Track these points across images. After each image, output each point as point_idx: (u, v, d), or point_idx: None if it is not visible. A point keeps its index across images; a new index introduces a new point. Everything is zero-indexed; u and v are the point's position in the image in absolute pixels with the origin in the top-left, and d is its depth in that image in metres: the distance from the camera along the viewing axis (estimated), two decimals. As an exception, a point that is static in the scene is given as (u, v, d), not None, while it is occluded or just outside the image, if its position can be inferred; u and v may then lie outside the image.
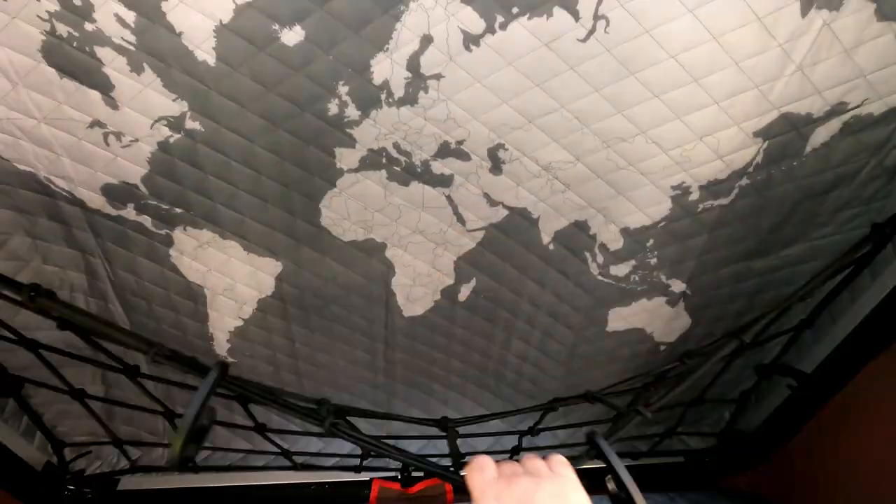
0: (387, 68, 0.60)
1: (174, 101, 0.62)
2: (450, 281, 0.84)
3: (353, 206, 0.74)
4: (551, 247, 0.79)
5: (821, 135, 0.64)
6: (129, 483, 0.96)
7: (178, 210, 0.73)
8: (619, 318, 0.88)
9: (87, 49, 0.57)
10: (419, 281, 0.83)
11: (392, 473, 1.00)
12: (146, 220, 0.74)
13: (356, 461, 1.01)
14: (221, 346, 0.89)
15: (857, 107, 0.61)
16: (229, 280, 0.81)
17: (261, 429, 0.82)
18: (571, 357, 0.95)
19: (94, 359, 0.70)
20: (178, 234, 0.76)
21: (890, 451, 0.75)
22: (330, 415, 0.62)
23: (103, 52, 0.57)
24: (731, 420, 0.93)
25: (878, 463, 0.78)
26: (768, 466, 0.98)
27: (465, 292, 0.85)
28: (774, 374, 0.86)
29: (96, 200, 0.71)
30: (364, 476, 0.99)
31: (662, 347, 0.93)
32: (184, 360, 0.57)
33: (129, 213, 0.73)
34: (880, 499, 0.77)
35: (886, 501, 0.76)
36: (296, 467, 0.92)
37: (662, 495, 0.95)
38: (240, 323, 0.86)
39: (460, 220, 0.76)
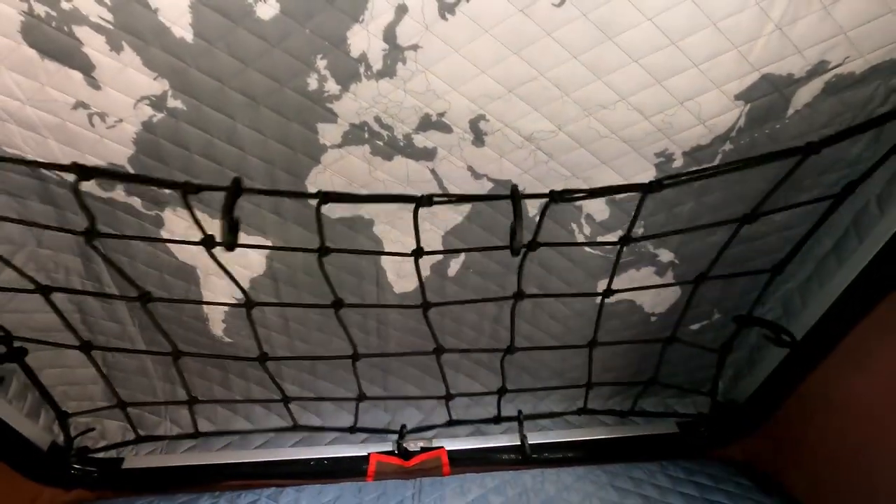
0: (363, 40, 0.60)
1: (155, 79, 0.62)
2: (439, 256, 0.84)
3: (339, 183, 0.74)
4: (537, 219, 0.79)
5: (803, 96, 0.63)
6: (133, 462, 0.98)
7: (167, 191, 0.74)
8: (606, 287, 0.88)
9: (66, 29, 0.57)
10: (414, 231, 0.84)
11: (389, 448, 1.02)
12: (136, 202, 0.75)
13: (354, 437, 1.04)
14: (217, 326, 0.90)
15: (839, 65, 0.60)
16: (220, 259, 0.82)
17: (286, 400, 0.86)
18: (564, 331, 0.96)
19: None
20: (167, 214, 0.77)
21: (877, 414, 0.76)
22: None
23: (82, 32, 0.58)
24: (715, 374, 0.94)
25: (867, 428, 0.78)
26: (760, 435, 0.99)
27: (454, 267, 0.86)
28: (751, 325, 0.87)
29: (86, 182, 0.72)
30: (362, 451, 1.01)
31: (653, 318, 0.94)
32: (213, 187, 0.63)
33: (119, 194, 0.74)
34: (872, 461, 0.77)
35: (877, 465, 0.76)
36: (294, 427, 0.94)
37: (654, 464, 0.97)
38: (234, 302, 0.88)
39: (445, 193, 0.76)
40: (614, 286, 0.88)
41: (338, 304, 0.80)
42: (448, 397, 0.97)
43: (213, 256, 0.67)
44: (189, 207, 0.63)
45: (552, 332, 0.95)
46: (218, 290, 0.86)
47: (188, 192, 0.61)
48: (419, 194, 0.68)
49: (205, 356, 0.88)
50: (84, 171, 0.57)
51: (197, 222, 0.64)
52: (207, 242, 0.66)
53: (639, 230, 0.80)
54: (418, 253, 0.75)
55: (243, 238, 0.80)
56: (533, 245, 0.74)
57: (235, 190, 0.59)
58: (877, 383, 0.77)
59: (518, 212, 0.64)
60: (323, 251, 0.71)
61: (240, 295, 0.87)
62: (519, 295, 0.83)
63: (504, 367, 0.96)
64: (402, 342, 0.96)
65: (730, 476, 0.95)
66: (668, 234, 0.78)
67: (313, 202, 0.68)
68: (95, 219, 0.62)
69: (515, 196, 0.65)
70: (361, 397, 0.94)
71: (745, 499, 0.89)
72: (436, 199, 0.68)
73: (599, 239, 0.81)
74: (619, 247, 0.79)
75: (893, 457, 0.74)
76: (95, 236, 0.63)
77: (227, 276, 0.82)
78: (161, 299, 0.74)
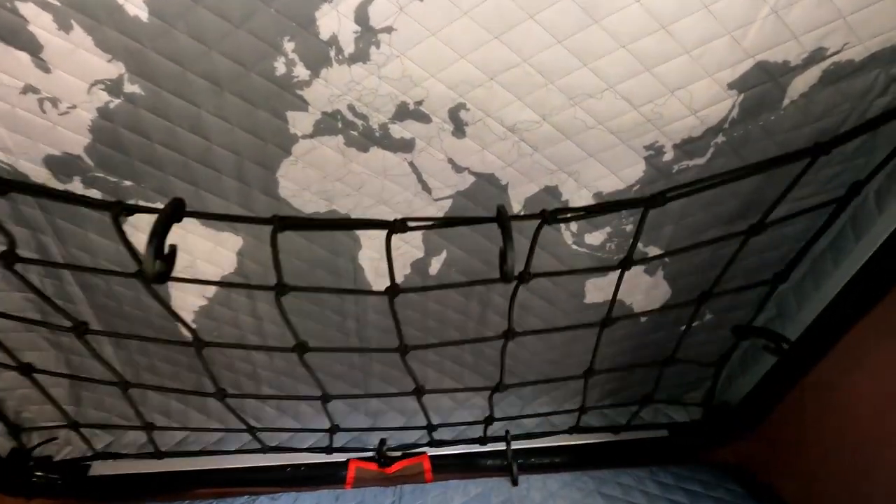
0: (333, 21, 0.56)
1: (109, 62, 0.58)
2: (419, 254, 0.80)
3: (312, 176, 0.70)
4: (523, 213, 0.76)
5: (799, 85, 0.60)
6: (100, 469, 0.94)
7: (128, 183, 0.70)
8: (597, 290, 0.85)
9: (9, 4, 0.53)
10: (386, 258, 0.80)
11: (369, 454, 0.98)
12: (95, 195, 0.71)
13: (334, 441, 1.00)
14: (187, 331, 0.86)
15: (837, 52, 0.57)
16: (188, 257, 0.77)
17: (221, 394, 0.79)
18: (549, 336, 0.92)
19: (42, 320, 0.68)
20: (141, 205, 0.72)
21: (872, 417, 0.73)
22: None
23: (26, 9, 0.54)
24: (711, 386, 0.91)
25: (862, 430, 0.76)
26: (753, 438, 0.96)
27: (435, 265, 0.82)
28: (751, 335, 0.83)
29: (40, 174, 0.68)
30: (341, 457, 0.97)
31: (643, 319, 0.90)
32: (146, 209, 0.53)
33: (77, 186, 0.70)
34: (866, 465, 0.75)
35: (872, 468, 0.74)
36: (264, 450, 0.90)
37: (644, 470, 0.93)
38: (204, 302, 0.84)
39: (425, 188, 0.72)
40: (600, 284, 0.85)
41: (301, 349, 0.70)
42: (430, 428, 0.92)
43: (150, 291, 0.60)
44: (120, 231, 0.53)
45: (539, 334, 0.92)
46: (187, 289, 0.82)
47: (118, 215, 0.52)
48: (391, 217, 0.58)
49: (157, 389, 0.83)
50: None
51: (129, 247, 0.55)
52: (140, 274, 0.57)
53: (627, 227, 0.77)
54: (393, 292, 0.63)
55: (211, 235, 0.76)
56: (525, 276, 0.64)
57: (172, 213, 0.48)
58: (873, 386, 0.74)
59: (507, 237, 0.52)
60: (280, 290, 0.60)
61: (210, 292, 0.84)
62: (509, 334, 0.74)
63: (492, 401, 0.90)
64: (383, 342, 0.92)
65: (721, 482, 0.92)
66: (671, 254, 0.73)
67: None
68: (15, 242, 0.57)
69: (503, 219, 0.53)
70: (335, 428, 0.89)
71: (737, 506, 0.87)
72: (410, 223, 0.57)
73: (587, 236, 0.78)
74: (604, 243, 0.75)
75: (889, 462, 0.71)
76: (14, 261, 0.57)
77: (195, 274, 0.79)
78: (99, 332, 0.69)
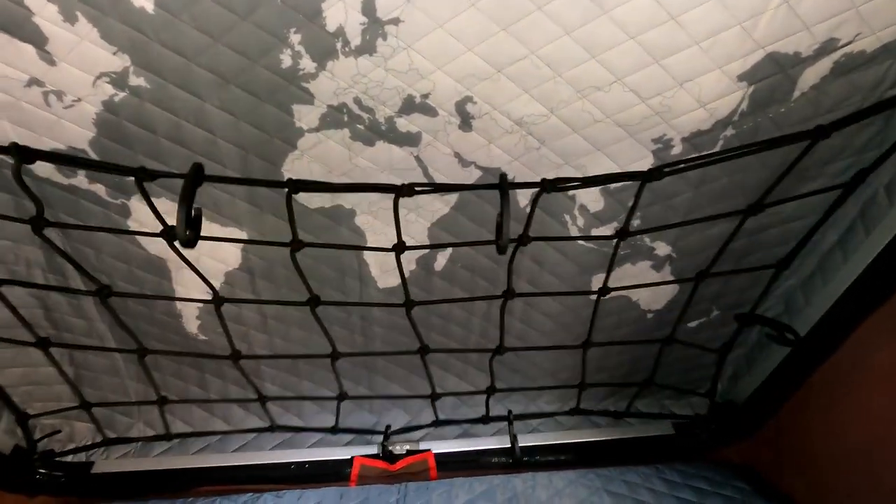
0: (340, 13, 0.55)
1: (114, 54, 0.57)
2: (424, 250, 0.80)
3: (317, 170, 0.70)
4: (528, 210, 0.75)
5: (810, 77, 0.59)
6: (103, 466, 0.93)
7: (132, 178, 0.69)
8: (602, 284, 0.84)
9: (14, -4, 0.53)
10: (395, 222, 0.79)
11: (374, 451, 0.97)
12: (100, 189, 0.70)
13: (337, 438, 0.99)
14: (191, 324, 0.85)
15: (849, 43, 0.56)
16: (193, 252, 0.76)
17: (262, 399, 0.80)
18: (556, 328, 0.92)
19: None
20: (134, 203, 0.72)
21: (881, 415, 0.72)
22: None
23: (31, 0, 0.53)
24: (715, 374, 0.90)
25: (871, 429, 0.75)
26: (759, 436, 0.95)
27: (441, 261, 0.82)
28: (754, 323, 0.82)
29: (45, 168, 0.67)
30: (345, 454, 0.97)
31: (650, 315, 0.90)
32: (168, 174, 0.56)
33: (81, 181, 0.69)
34: (873, 463, 0.74)
35: (881, 467, 0.73)
36: (272, 428, 0.89)
37: (650, 467, 0.93)
38: (208, 297, 0.83)
39: (431, 182, 0.72)
40: (609, 282, 0.84)
41: (314, 301, 0.75)
42: (434, 397, 0.92)
43: (175, 250, 0.62)
44: (146, 196, 0.57)
45: (544, 330, 0.91)
46: (191, 285, 0.81)
47: (143, 180, 0.55)
48: (400, 183, 0.63)
49: (173, 353, 0.83)
50: (25, 154, 0.52)
51: (156, 213, 0.58)
52: (168, 235, 0.60)
53: (635, 222, 0.76)
54: (399, 248, 0.69)
55: (215, 230, 0.75)
56: (523, 240, 0.68)
57: (195, 177, 0.52)
58: (882, 384, 0.73)
59: (505, 203, 0.57)
60: (295, 245, 0.65)
61: (216, 287, 0.83)
62: (508, 293, 0.77)
63: (493, 367, 0.91)
64: (388, 339, 0.92)
65: (728, 480, 0.91)
66: (666, 228, 0.73)
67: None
68: (43, 207, 0.57)
69: (504, 185, 0.59)
70: (343, 396, 0.89)
71: (744, 503, 0.86)
72: (417, 188, 0.62)
73: (594, 231, 0.77)
74: (615, 241, 0.75)
75: (899, 460, 0.71)
76: (44, 225, 0.58)
77: (199, 270, 0.78)
78: (123, 294, 0.69)
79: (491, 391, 0.94)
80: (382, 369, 0.97)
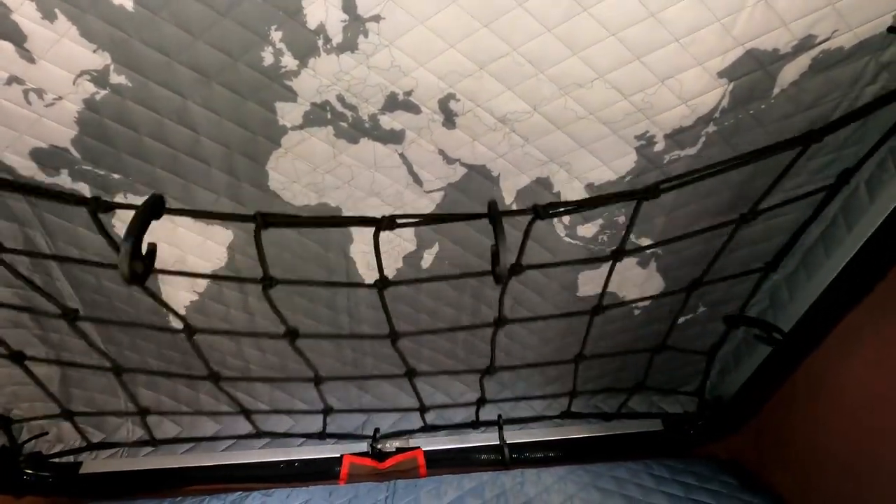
0: (321, 9, 0.55)
1: (95, 52, 0.57)
2: (411, 247, 0.80)
3: (302, 168, 0.70)
4: (514, 207, 0.75)
5: (789, 73, 0.60)
6: (91, 466, 0.93)
7: (116, 176, 0.69)
8: (590, 282, 0.85)
9: (-10, -7, 0.52)
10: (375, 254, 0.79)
11: (363, 449, 0.97)
12: (83, 188, 0.70)
13: (325, 440, 0.99)
14: (177, 322, 0.85)
15: (826, 40, 0.57)
16: (178, 251, 0.77)
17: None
18: (545, 325, 0.92)
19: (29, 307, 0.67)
20: (118, 201, 0.72)
21: (865, 409, 0.73)
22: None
23: (9, -3, 0.53)
24: (704, 374, 0.91)
25: (855, 422, 0.76)
26: (746, 432, 0.96)
27: (428, 259, 0.82)
28: (742, 324, 0.83)
29: (27, 167, 0.67)
30: (334, 452, 0.97)
31: (637, 312, 0.90)
32: (124, 205, 0.51)
33: (64, 180, 0.69)
34: (860, 458, 0.74)
35: (865, 459, 0.74)
36: (259, 435, 0.89)
37: (638, 463, 0.93)
38: (195, 297, 0.83)
39: (416, 180, 0.72)
40: (592, 277, 0.84)
41: (292, 335, 0.71)
42: (423, 409, 0.92)
43: (141, 287, 0.59)
44: (100, 227, 0.52)
45: (531, 326, 0.91)
46: (178, 284, 0.81)
47: (97, 211, 0.51)
48: (379, 214, 0.56)
49: (149, 372, 0.82)
50: None
51: (110, 240, 0.54)
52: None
53: (619, 218, 0.77)
54: (382, 284, 0.63)
55: (200, 228, 0.75)
56: (517, 269, 0.63)
57: (151, 209, 0.46)
58: (865, 378, 0.74)
59: (500, 233, 0.51)
60: (268, 283, 0.59)
61: (201, 287, 0.83)
62: (500, 321, 0.74)
63: (483, 383, 0.90)
64: (377, 328, 0.92)
65: (715, 475, 0.92)
66: (663, 245, 0.73)
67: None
68: None
69: (494, 214, 0.53)
70: (328, 410, 0.89)
71: (731, 497, 0.86)
72: (399, 220, 0.55)
73: (579, 228, 0.78)
74: (596, 235, 0.75)
75: (882, 454, 0.71)
76: (0, 251, 0.56)
77: (185, 269, 0.78)
78: (89, 318, 0.68)
79: (481, 402, 0.93)
80: (372, 368, 0.97)
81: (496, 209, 0.53)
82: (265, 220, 0.52)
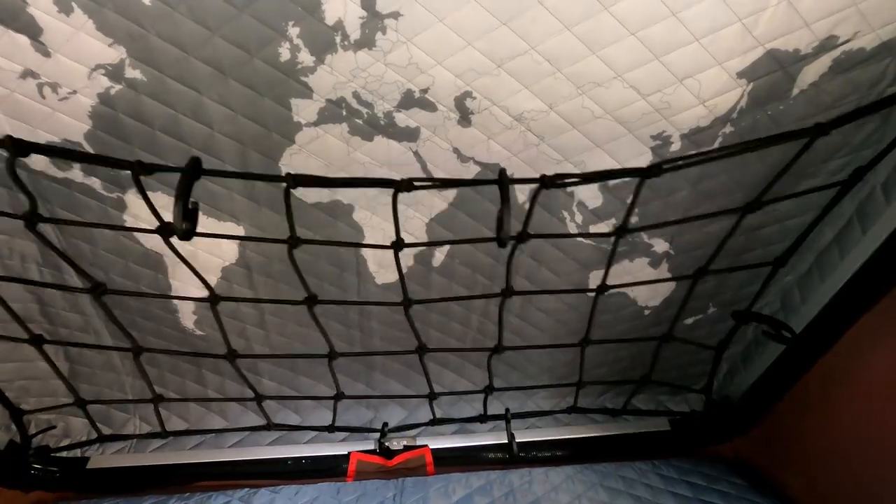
0: (339, 6, 0.55)
1: (110, 46, 0.57)
2: (423, 246, 0.80)
3: (315, 165, 0.69)
4: (527, 206, 0.75)
5: (809, 74, 0.59)
6: (99, 462, 0.93)
7: (128, 171, 0.68)
8: (600, 281, 0.84)
9: (8, -14, 0.52)
10: (393, 218, 0.79)
11: (371, 446, 0.97)
12: (95, 183, 0.70)
13: (335, 434, 0.99)
14: (187, 318, 0.85)
15: (848, 41, 0.56)
16: (189, 247, 0.76)
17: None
18: (554, 324, 0.92)
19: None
20: (130, 197, 0.72)
21: (878, 412, 0.73)
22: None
23: (26, -10, 0.52)
24: (711, 370, 0.90)
25: (867, 425, 0.75)
26: (755, 433, 0.96)
27: (439, 257, 0.82)
28: (751, 320, 0.83)
29: (39, 161, 0.67)
30: (342, 450, 0.96)
31: (647, 312, 0.90)
32: (165, 167, 0.54)
33: (76, 174, 0.69)
34: (871, 460, 0.74)
35: (876, 463, 0.73)
36: (269, 427, 0.89)
37: (646, 463, 0.93)
38: (205, 293, 0.82)
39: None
40: (607, 279, 0.84)
41: (311, 301, 0.73)
42: (432, 396, 0.92)
43: (170, 246, 0.61)
44: (142, 190, 0.55)
45: (542, 326, 0.91)
46: (188, 280, 0.81)
47: (140, 174, 0.54)
48: (398, 178, 0.61)
49: (168, 352, 0.82)
50: (19, 147, 0.51)
51: (152, 208, 0.56)
52: (164, 230, 0.58)
53: (633, 219, 0.76)
54: (398, 245, 0.67)
55: (213, 225, 0.75)
56: (523, 236, 0.67)
57: (193, 171, 0.51)
58: (878, 381, 0.73)
59: (506, 198, 0.56)
60: (293, 242, 0.63)
61: (212, 283, 0.83)
62: (507, 292, 0.75)
63: (491, 366, 0.91)
64: (386, 335, 0.92)
65: (723, 475, 0.92)
66: (665, 225, 0.73)
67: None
68: (37, 202, 0.56)
69: (503, 181, 0.58)
70: (339, 396, 0.89)
71: (740, 499, 0.86)
72: (416, 183, 0.59)
73: (592, 228, 0.77)
74: (614, 238, 0.74)
75: (893, 456, 0.71)
76: (37, 221, 0.57)
77: (195, 266, 0.77)
78: (117, 292, 0.68)
79: (489, 391, 0.94)
80: (380, 366, 0.97)
81: (505, 176, 0.57)
82: (295, 181, 0.56)
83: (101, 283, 0.65)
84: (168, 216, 0.73)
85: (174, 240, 0.55)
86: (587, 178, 0.64)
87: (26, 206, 0.66)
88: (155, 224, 0.60)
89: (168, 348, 0.90)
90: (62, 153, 0.59)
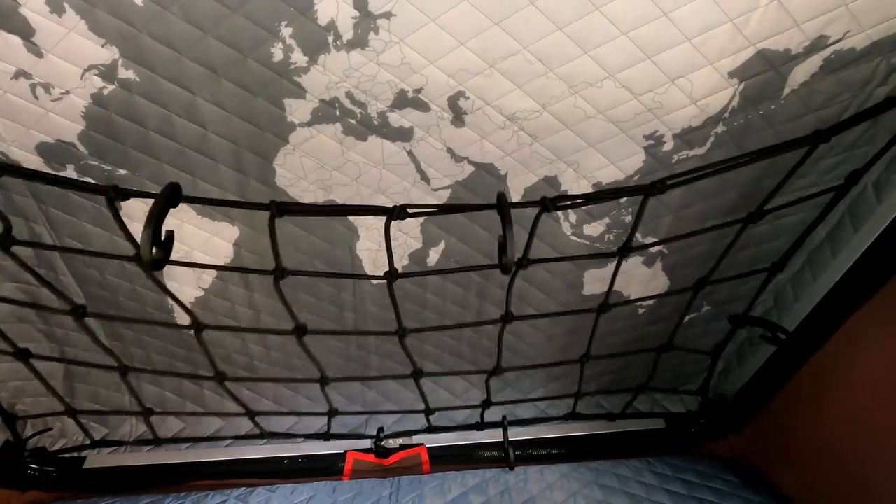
0: (331, 6, 0.55)
1: (103, 46, 0.57)
2: (417, 245, 0.80)
3: (309, 165, 0.69)
4: (522, 202, 0.75)
5: (800, 74, 0.60)
6: (95, 461, 0.93)
7: (123, 171, 0.69)
8: (595, 281, 0.85)
9: (-1, -13, 0.52)
10: (385, 245, 0.79)
11: (367, 445, 0.97)
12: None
13: (329, 437, 0.99)
14: (183, 318, 0.85)
15: (839, 40, 0.56)
16: (185, 247, 0.77)
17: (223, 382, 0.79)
18: (550, 323, 0.92)
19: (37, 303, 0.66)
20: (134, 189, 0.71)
21: (870, 409, 0.73)
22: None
23: (17, -9, 0.52)
24: (708, 374, 0.91)
25: (859, 421, 0.76)
26: (749, 431, 0.96)
27: (434, 256, 0.82)
28: (747, 324, 0.83)
29: (33, 161, 0.67)
30: (338, 448, 0.97)
31: (641, 311, 0.90)
32: (142, 193, 0.52)
33: (71, 174, 0.69)
34: (863, 457, 0.75)
35: (868, 459, 0.74)
36: (262, 435, 0.89)
37: (641, 461, 0.94)
38: (200, 293, 0.83)
39: (424, 178, 0.72)
40: (598, 276, 0.84)
41: (300, 331, 0.70)
42: (428, 412, 0.92)
43: (149, 276, 0.59)
44: (117, 216, 0.53)
45: (537, 325, 0.92)
46: (183, 280, 0.81)
47: (114, 200, 0.51)
48: (391, 203, 0.59)
49: (156, 373, 0.82)
50: None
51: (125, 231, 0.54)
52: (138, 258, 0.55)
53: (626, 218, 0.77)
54: (391, 276, 0.63)
55: (207, 225, 0.75)
56: (524, 263, 0.64)
57: (168, 198, 0.48)
58: (869, 377, 0.74)
59: (507, 224, 0.52)
60: (280, 274, 0.59)
61: (207, 284, 0.83)
62: (507, 318, 0.74)
63: (489, 385, 0.90)
64: (382, 324, 0.92)
65: (718, 473, 0.93)
66: (669, 241, 0.73)
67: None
68: (10, 224, 0.55)
69: (503, 205, 0.53)
70: (333, 413, 0.89)
71: (734, 496, 0.87)
72: (410, 209, 0.56)
73: (586, 227, 0.78)
74: (603, 234, 0.75)
75: (886, 453, 0.72)
76: (10, 244, 0.56)
77: (189, 267, 0.78)
78: (98, 315, 0.68)
79: (486, 405, 0.93)
80: (377, 366, 0.97)
81: (505, 200, 0.54)
82: (279, 208, 0.53)
83: (80, 305, 0.65)
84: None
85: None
86: (590, 198, 0.64)
87: (25, 206, 0.66)
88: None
89: (164, 349, 0.90)
90: (33, 176, 0.57)
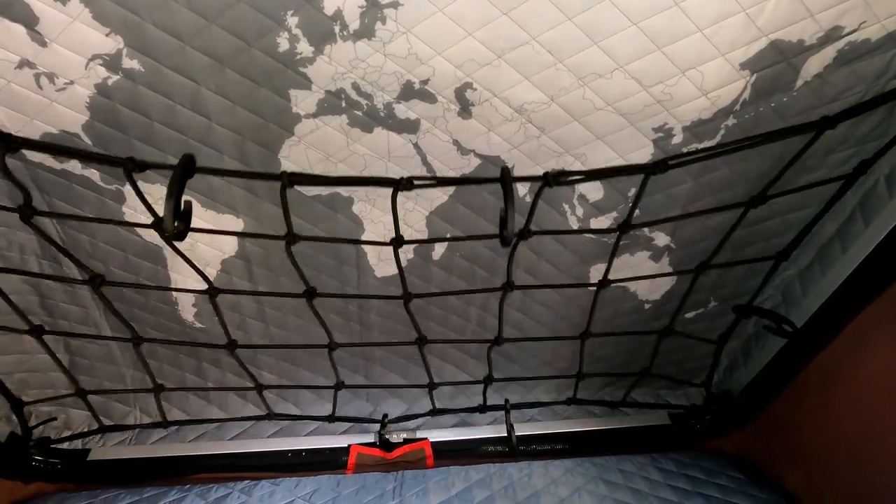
0: (338, -5, 0.54)
1: (107, 35, 0.56)
2: (422, 238, 0.79)
3: (315, 157, 0.69)
4: (528, 199, 0.75)
5: (813, 65, 0.59)
6: (99, 453, 0.93)
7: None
8: (601, 275, 0.84)
9: (2, -26, 0.51)
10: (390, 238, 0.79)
11: (371, 439, 0.97)
12: (93, 175, 0.69)
13: (335, 427, 0.99)
14: (187, 311, 0.85)
15: (853, 31, 0.56)
16: (189, 239, 0.76)
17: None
18: (554, 318, 0.92)
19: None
20: (129, 189, 0.71)
21: (877, 406, 0.73)
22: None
23: (20, -22, 0.52)
24: (712, 364, 0.90)
25: (866, 419, 0.75)
26: (754, 427, 0.96)
27: (439, 250, 0.81)
28: (752, 314, 0.82)
29: (36, 154, 0.66)
30: (342, 442, 0.97)
31: (647, 306, 0.90)
32: (158, 165, 0.54)
33: (74, 166, 0.68)
34: (869, 454, 0.74)
35: (875, 457, 0.73)
36: (269, 415, 0.89)
37: (645, 457, 0.93)
38: (204, 286, 0.82)
39: (430, 170, 0.71)
40: (603, 270, 0.84)
41: (310, 294, 0.73)
42: (431, 386, 0.92)
43: (167, 241, 0.60)
44: (135, 187, 0.55)
45: (542, 320, 0.91)
46: (187, 272, 0.80)
47: (132, 171, 0.53)
48: (398, 177, 0.60)
49: (168, 342, 0.82)
50: (9, 142, 0.50)
51: (146, 203, 0.56)
52: (159, 226, 0.59)
53: (634, 213, 0.76)
54: (397, 242, 0.67)
55: (211, 217, 0.74)
56: (525, 234, 0.67)
57: (186, 168, 0.50)
58: (878, 375, 0.73)
59: (509, 197, 0.55)
60: (291, 239, 0.63)
61: (211, 276, 0.82)
62: (508, 286, 0.76)
63: (491, 357, 0.91)
64: (385, 328, 0.92)
65: (723, 469, 0.92)
66: (669, 220, 0.73)
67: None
68: (31, 195, 0.56)
69: (506, 179, 0.56)
70: (340, 385, 0.89)
71: (738, 493, 0.86)
72: (416, 181, 0.60)
73: (593, 221, 0.77)
74: (616, 234, 0.74)
75: (892, 451, 0.71)
76: (31, 214, 0.56)
77: (194, 258, 0.77)
78: (115, 283, 0.68)
79: (488, 381, 0.94)
80: (380, 358, 0.97)
81: (508, 174, 0.56)
82: (290, 180, 0.56)
83: (99, 274, 0.65)
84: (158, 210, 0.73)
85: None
86: (590, 175, 0.64)
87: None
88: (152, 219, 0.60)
89: (171, 333, 0.90)
90: (53, 149, 0.59)
